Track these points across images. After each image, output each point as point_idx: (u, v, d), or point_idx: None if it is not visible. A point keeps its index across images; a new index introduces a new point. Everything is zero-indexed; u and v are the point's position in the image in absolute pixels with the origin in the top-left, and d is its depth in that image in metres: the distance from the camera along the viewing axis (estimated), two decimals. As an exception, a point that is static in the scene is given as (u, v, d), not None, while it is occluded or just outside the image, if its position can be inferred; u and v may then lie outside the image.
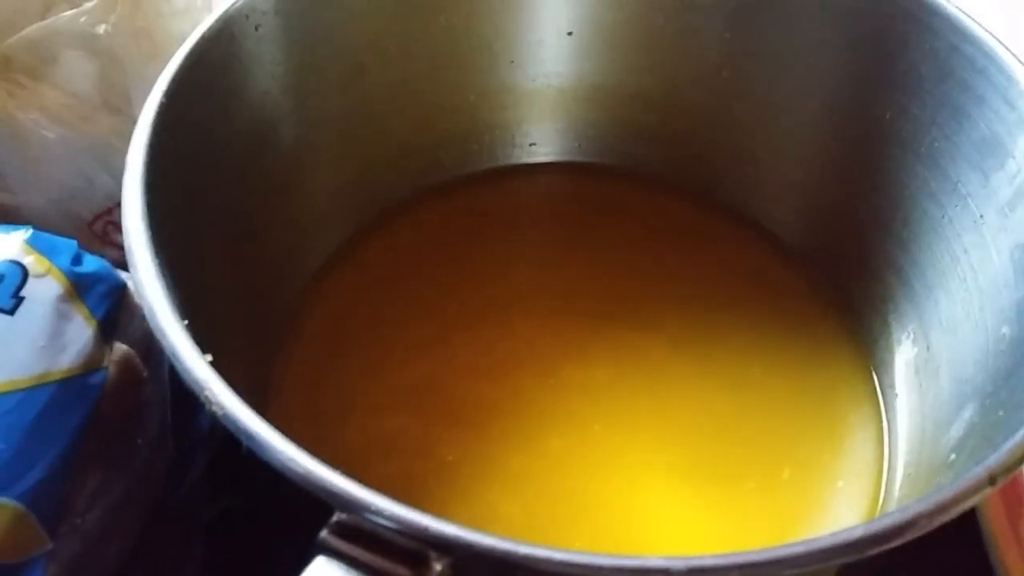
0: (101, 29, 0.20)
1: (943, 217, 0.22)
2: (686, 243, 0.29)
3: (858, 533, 0.11)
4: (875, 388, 0.25)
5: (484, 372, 0.26)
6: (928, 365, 0.22)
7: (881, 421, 0.24)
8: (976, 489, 0.12)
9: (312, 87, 0.24)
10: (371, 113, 0.26)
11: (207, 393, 0.14)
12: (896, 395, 0.24)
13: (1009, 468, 0.12)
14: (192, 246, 0.19)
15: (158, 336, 0.15)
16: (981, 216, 0.20)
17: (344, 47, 0.24)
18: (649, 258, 0.28)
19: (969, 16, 0.21)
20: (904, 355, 0.24)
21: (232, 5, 0.21)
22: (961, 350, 0.21)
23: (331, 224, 0.27)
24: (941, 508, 0.12)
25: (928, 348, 0.23)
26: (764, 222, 0.28)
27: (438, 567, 0.13)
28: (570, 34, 0.27)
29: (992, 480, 0.12)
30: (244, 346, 0.22)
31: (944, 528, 0.22)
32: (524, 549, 0.12)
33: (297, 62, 0.23)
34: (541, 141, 0.30)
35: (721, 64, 0.26)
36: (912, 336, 0.24)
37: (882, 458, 0.24)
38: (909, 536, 0.12)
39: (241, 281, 0.23)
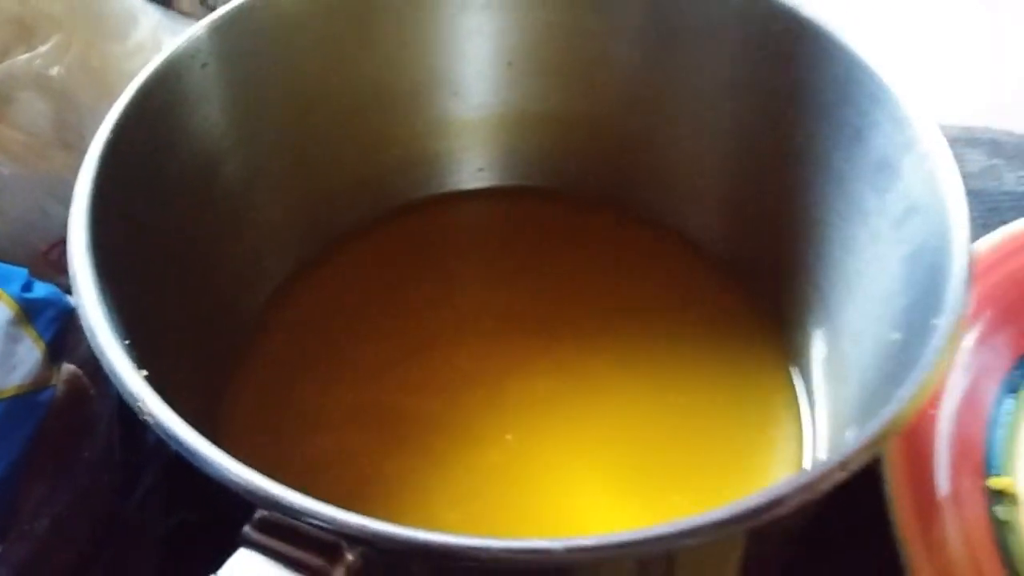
0: (55, 71, 0.22)
1: (848, 232, 0.24)
2: (624, 260, 0.30)
3: (716, 516, 0.13)
4: (796, 395, 0.26)
5: (432, 391, 0.27)
6: (839, 372, 0.24)
7: (801, 428, 0.26)
8: (829, 476, 0.14)
9: (259, 121, 0.25)
10: (319, 144, 0.28)
11: (140, 404, 0.15)
12: (815, 402, 0.26)
13: (861, 456, 0.14)
14: (139, 273, 0.20)
15: (97, 353, 0.16)
16: (878, 232, 0.22)
17: (289, 83, 0.26)
18: (589, 276, 0.30)
19: (864, 47, 0.22)
20: (820, 362, 0.25)
21: (179, 45, 0.22)
22: (864, 357, 0.22)
23: (283, 252, 0.28)
24: (802, 489, 0.13)
25: (840, 355, 0.24)
26: (697, 239, 0.30)
27: (350, 557, 0.14)
28: (510, 64, 0.29)
29: (843, 467, 0.14)
30: (196, 368, 0.24)
31: (858, 530, 0.23)
32: (422, 535, 0.13)
33: (243, 98, 0.25)
34: (486, 167, 0.32)
35: (644, 90, 0.27)
36: (827, 344, 0.25)
37: (803, 461, 0.25)
38: (766, 517, 0.13)
39: (192, 306, 0.24)
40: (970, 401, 0.27)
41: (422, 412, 0.26)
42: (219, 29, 0.23)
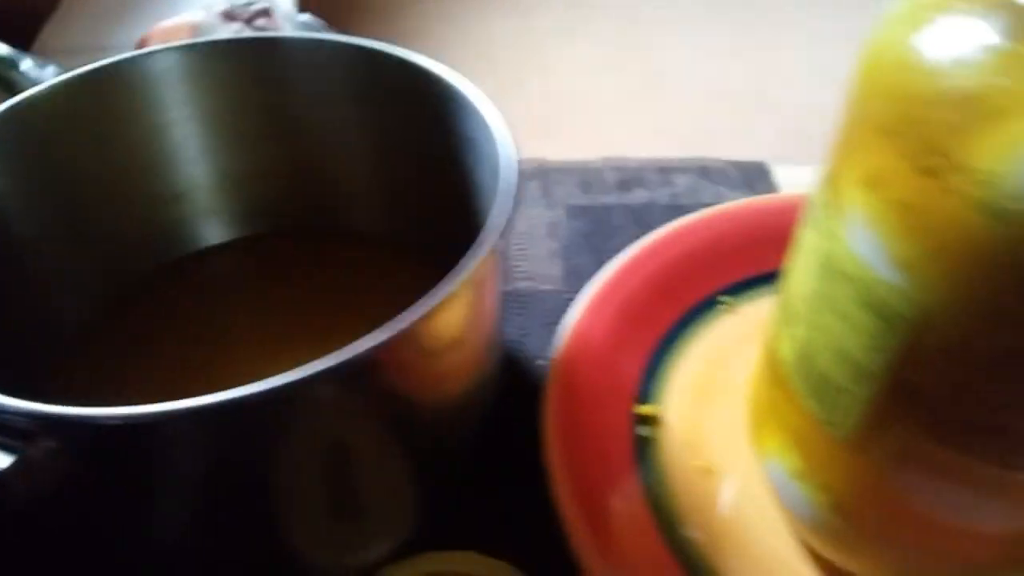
0: None
1: (474, 192, 0.31)
2: (351, 276, 0.37)
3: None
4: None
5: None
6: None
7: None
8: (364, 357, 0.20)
9: (40, 192, 0.32)
10: (96, 211, 0.34)
11: None
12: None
13: (389, 344, 0.21)
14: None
15: None
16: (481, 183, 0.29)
17: (61, 164, 0.32)
18: (326, 295, 0.36)
19: (457, 79, 0.29)
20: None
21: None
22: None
23: (73, 306, 0.34)
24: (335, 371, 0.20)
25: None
26: (398, 243, 0.36)
27: (46, 443, 0.20)
28: (221, 141, 0.36)
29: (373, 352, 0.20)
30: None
31: (519, 469, 0.30)
32: (73, 411, 0.19)
33: (23, 175, 0.31)
34: (236, 221, 0.38)
35: (325, 141, 0.35)
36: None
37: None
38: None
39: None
40: (626, 347, 0.34)
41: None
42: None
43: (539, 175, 0.46)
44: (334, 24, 0.31)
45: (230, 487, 0.23)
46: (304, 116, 0.34)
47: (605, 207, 0.44)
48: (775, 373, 0.26)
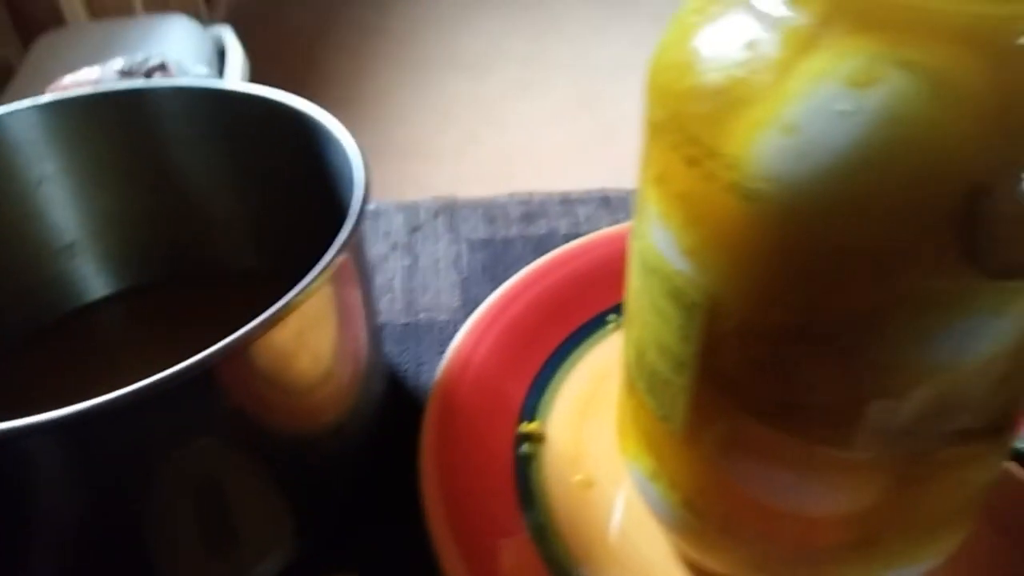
0: None
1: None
2: (244, 316, 0.37)
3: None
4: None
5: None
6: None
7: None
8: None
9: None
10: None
11: None
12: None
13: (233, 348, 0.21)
14: None
15: None
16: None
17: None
18: (216, 337, 0.37)
19: (314, 111, 0.31)
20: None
21: None
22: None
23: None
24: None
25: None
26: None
27: None
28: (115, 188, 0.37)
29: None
30: None
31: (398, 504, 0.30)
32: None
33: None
34: (116, 272, 0.38)
35: (207, 184, 0.36)
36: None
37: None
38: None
39: None
40: (511, 368, 0.35)
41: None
42: None
43: (445, 210, 0.47)
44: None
45: (82, 515, 0.24)
46: (172, 161, 0.35)
47: (507, 239, 0.45)
48: (627, 377, 0.27)
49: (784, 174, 0.17)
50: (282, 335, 0.24)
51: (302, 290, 0.23)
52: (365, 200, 0.27)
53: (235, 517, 0.26)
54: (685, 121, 0.19)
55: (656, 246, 0.21)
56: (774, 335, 0.19)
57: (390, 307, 0.41)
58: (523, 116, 1.68)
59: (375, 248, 0.45)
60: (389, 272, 0.43)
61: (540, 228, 0.45)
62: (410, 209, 0.47)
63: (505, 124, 1.67)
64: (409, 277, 0.43)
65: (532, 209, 0.47)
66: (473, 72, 1.84)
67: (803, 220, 0.17)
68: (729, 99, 0.18)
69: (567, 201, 0.48)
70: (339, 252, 0.25)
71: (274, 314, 0.23)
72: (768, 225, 0.18)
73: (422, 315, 0.40)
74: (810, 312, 0.18)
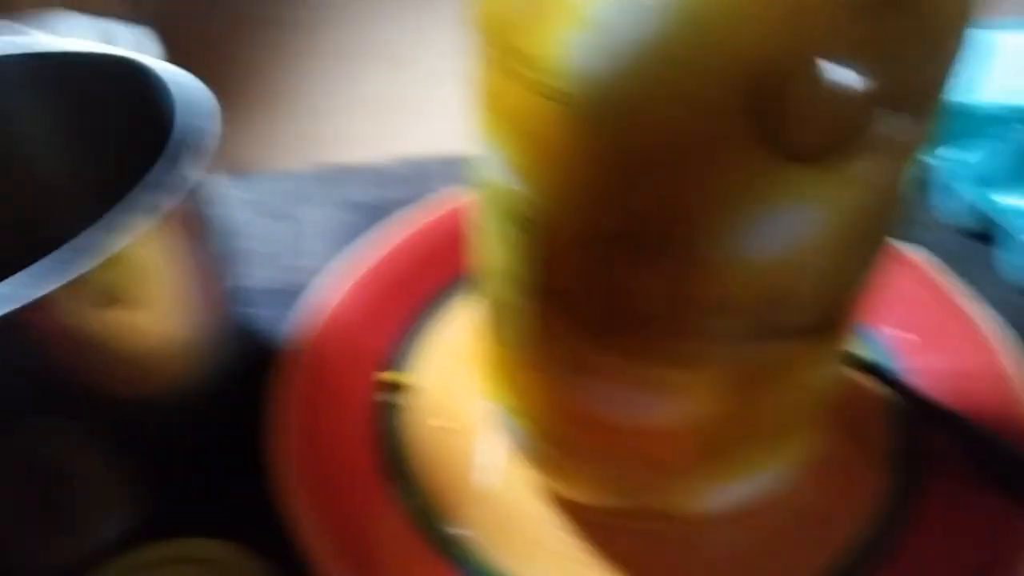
0: None
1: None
2: None
3: None
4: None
5: None
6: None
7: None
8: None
9: None
10: None
11: None
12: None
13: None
14: None
15: None
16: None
17: None
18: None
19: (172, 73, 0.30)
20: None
21: None
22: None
23: None
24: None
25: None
26: None
27: None
28: None
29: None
30: None
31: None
32: None
33: None
34: None
35: (43, 150, 0.35)
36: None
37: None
38: None
39: None
40: (375, 319, 0.34)
41: None
42: None
43: (327, 176, 0.46)
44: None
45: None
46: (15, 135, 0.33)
47: (387, 201, 0.44)
48: (485, 315, 0.27)
49: (588, 72, 0.17)
50: (89, 289, 0.22)
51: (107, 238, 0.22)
52: (199, 151, 0.25)
53: (66, 482, 0.25)
54: (503, 32, 0.19)
55: (493, 172, 0.21)
56: (602, 244, 0.19)
57: (271, 273, 0.39)
58: (439, 105, 1.67)
59: (256, 215, 0.43)
60: (271, 237, 0.42)
61: (421, 190, 0.45)
62: (296, 177, 0.46)
63: (420, 115, 1.65)
64: (295, 242, 0.42)
65: (414, 171, 0.46)
66: (390, 63, 1.82)
67: (610, 119, 0.17)
68: (537, 4, 0.18)
69: (450, 162, 0.47)
70: (155, 192, 0.24)
71: (77, 269, 0.21)
72: (580, 128, 0.18)
73: (294, 277, 0.39)
74: (630, 216, 0.18)
